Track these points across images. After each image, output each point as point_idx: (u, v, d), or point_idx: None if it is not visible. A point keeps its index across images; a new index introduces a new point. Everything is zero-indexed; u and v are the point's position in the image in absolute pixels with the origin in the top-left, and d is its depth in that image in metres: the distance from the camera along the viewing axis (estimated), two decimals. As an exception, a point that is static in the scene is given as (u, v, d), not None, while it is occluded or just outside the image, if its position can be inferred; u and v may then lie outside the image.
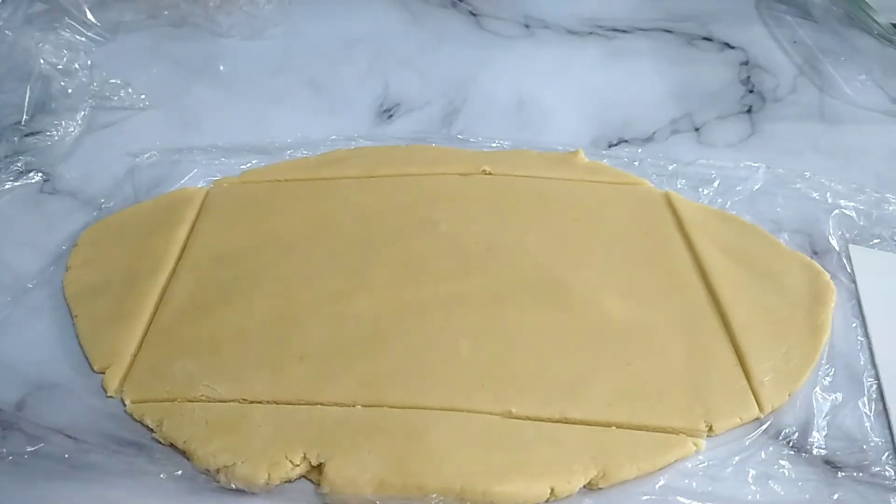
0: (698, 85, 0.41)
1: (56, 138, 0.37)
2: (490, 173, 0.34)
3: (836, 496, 0.23)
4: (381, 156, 0.35)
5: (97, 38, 0.43)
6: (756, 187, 0.34)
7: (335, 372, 0.26)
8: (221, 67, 0.42)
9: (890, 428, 0.25)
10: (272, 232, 0.31)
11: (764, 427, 0.25)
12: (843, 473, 0.23)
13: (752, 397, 0.25)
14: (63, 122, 0.37)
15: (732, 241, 0.30)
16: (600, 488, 0.23)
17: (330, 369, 0.26)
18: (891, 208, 0.32)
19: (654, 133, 0.38)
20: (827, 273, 0.29)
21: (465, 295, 0.28)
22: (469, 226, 0.31)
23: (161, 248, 0.30)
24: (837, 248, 0.31)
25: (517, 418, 0.24)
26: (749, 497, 0.23)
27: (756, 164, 0.34)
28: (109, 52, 0.43)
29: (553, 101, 0.40)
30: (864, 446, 0.24)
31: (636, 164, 0.35)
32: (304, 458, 0.23)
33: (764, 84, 0.41)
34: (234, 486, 0.23)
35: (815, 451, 0.24)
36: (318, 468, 0.23)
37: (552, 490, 0.23)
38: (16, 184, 0.35)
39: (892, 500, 0.23)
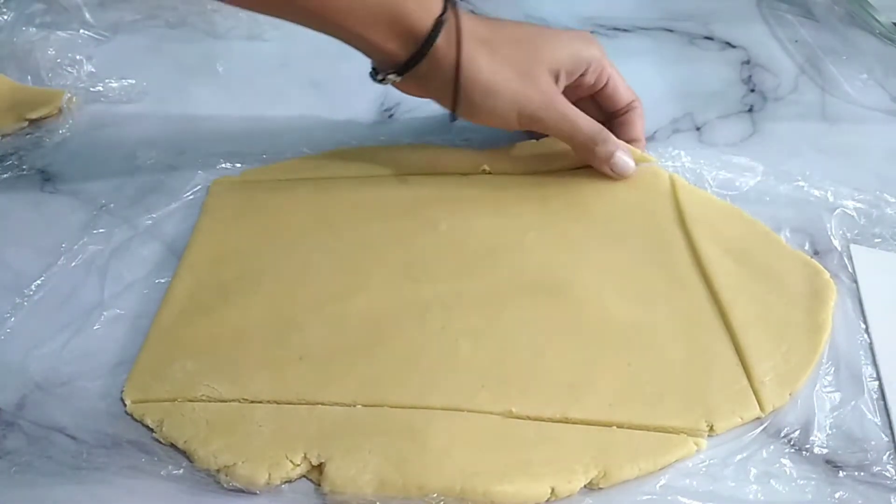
0: (699, 84, 0.41)
1: (56, 138, 0.37)
2: (490, 172, 0.34)
3: (837, 495, 0.23)
4: (381, 155, 0.35)
5: (96, 37, 0.43)
6: (757, 186, 0.33)
7: (335, 372, 0.26)
8: (219, 68, 0.42)
9: (891, 427, 0.25)
10: (272, 232, 0.31)
11: (765, 426, 0.25)
12: (844, 473, 0.23)
13: (753, 397, 0.25)
14: (64, 121, 0.37)
15: (733, 239, 0.30)
16: (601, 488, 0.23)
17: (330, 369, 0.26)
18: (892, 208, 0.32)
19: (655, 132, 0.38)
20: (827, 272, 0.29)
21: (465, 295, 0.28)
22: (469, 226, 0.31)
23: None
24: (839, 248, 0.31)
25: (518, 418, 0.24)
26: (750, 496, 0.23)
27: (757, 164, 0.34)
28: (109, 52, 0.43)
29: (553, 101, 0.40)
30: (865, 446, 0.24)
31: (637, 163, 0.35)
32: (305, 457, 0.23)
33: (765, 83, 0.41)
34: (234, 486, 0.23)
35: (816, 451, 0.24)
36: (319, 468, 0.23)
37: (553, 490, 0.23)
38: (16, 183, 0.35)
39: (893, 499, 0.23)
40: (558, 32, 0.31)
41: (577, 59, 0.30)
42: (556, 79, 0.30)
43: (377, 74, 0.30)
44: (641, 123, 0.33)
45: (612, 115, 0.33)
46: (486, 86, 0.29)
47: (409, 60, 0.29)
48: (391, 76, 0.29)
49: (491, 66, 0.29)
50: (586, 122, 0.31)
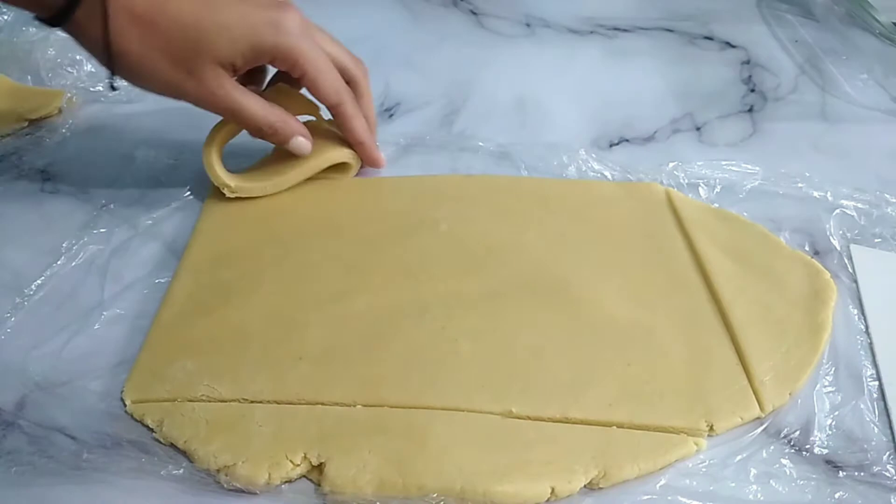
0: (699, 84, 0.41)
1: (56, 138, 0.37)
2: None
3: (837, 496, 0.23)
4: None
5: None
6: (757, 187, 0.33)
7: (335, 372, 0.26)
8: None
9: (891, 427, 0.25)
10: (272, 232, 0.31)
11: (765, 426, 0.25)
12: (844, 473, 0.23)
13: (753, 397, 0.25)
14: (63, 122, 0.37)
15: (733, 240, 0.30)
16: (601, 488, 0.23)
17: (330, 369, 0.26)
18: (892, 208, 0.32)
19: (655, 132, 0.38)
20: (827, 272, 0.29)
21: (465, 295, 0.28)
22: (469, 226, 0.31)
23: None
24: (839, 248, 0.31)
25: (518, 418, 0.24)
26: (750, 496, 0.23)
27: (757, 164, 0.34)
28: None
29: (554, 101, 0.40)
30: (865, 446, 0.24)
31: (637, 163, 0.35)
32: (305, 457, 0.23)
33: (765, 83, 0.41)
34: (234, 486, 0.23)
35: (816, 451, 0.24)
36: (319, 468, 0.23)
37: (553, 490, 0.23)
38: (16, 183, 0.35)
39: (893, 499, 0.23)
40: (242, 13, 0.28)
41: (258, 51, 0.28)
42: (230, 68, 0.28)
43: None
44: (353, 124, 0.31)
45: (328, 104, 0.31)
46: (135, 67, 0.27)
47: (52, 19, 0.27)
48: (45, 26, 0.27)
49: (141, 49, 0.27)
50: (259, 109, 0.29)
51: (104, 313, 0.29)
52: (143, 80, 0.28)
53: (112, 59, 0.27)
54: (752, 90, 0.40)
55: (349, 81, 0.31)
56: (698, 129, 0.38)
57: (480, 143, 0.36)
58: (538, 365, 0.26)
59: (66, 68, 0.40)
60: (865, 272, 0.29)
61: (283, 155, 0.33)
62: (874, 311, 0.28)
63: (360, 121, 0.32)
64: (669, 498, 0.23)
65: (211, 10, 0.28)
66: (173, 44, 0.27)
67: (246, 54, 0.28)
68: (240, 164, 0.35)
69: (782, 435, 0.24)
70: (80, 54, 0.41)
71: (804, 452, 0.24)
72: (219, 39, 0.27)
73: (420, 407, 0.25)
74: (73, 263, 0.31)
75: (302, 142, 0.31)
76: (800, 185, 0.33)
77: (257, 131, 0.30)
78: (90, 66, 0.41)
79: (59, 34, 0.42)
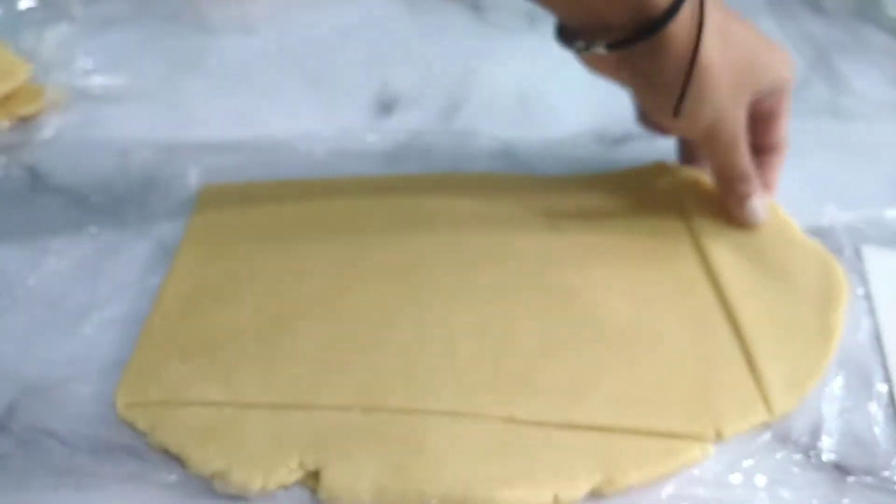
0: (705, 79, 0.40)
1: (46, 135, 0.36)
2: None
3: (845, 501, 0.22)
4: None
5: (87, 33, 0.43)
6: (764, 184, 0.33)
7: (332, 375, 0.25)
8: (212, 62, 0.41)
9: (901, 431, 0.24)
10: (267, 231, 0.31)
11: (773, 431, 0.24)
12: (852, 478, 0.23)
13: (762, 401, 0.24)
14: (53, 118, 0.37)
15: (742, 235, 0.29)
16: (605, 495, 0.23)
17: (327, 372, 0.25)
18: (903, 207, 0.32)
19: (660, 128, 0.37)
20: (840, 267, 0.28)
21: (466, 295, 0.27)
22: (469, 224, 0.30)
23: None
24: (849, 249, 0.30)
25: (520, 423, 0.24)
26: (758, 503, 0.22)
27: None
28: (100, 49, 0.42)
29: (557, 96, 0.39)
30: (875, 450, 0.24)
31: (642, 160, 0.34)
32: (301, 463, 0.23)
33: (772, 78, 0.40)
34: (228, 492, 0.23)
35: (824, 456, 0.23)
36: (315, 474, 0.23)
37: (556, 497, 0.22)
38: (4, 182, 0.34)
39: (902, 505, 0.22)
40: (771, 46, 0.26)
41: (773, 87, 0.25)
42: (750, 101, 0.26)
43: (573, 40, 0.24)
44: (779, 171, 0.28)
45: (753, 147, 0.28)
46: (708, 85, 0.23)
47: (635, 34, 0.22)
48: (599, 48, 0.24)
49: (721, 64, 0.23)
50: (746, 158, 0.26)
51: (95, 315, 0.28)
52: (704, 102, 0.24)
53: (691, 83, 0.23)
54: (759, 85, 0.40)
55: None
56: (704, 125, 0.37)
57: (481, 139, 0.36)
58: (541, 368, 0.25)
59: (58, 65, 0.40)
60: (877, 273, 0.29)
61: None
62: (885, 314, 0.27)
63: (782, 168, 0.28)
64: (675, 505, 0.22)
65: (755, 33, 0.25)
66: (738, 61, 0.24)
67: (764, 89, 0.25)
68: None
69: (791, 440, 0.24)
70: (72, 50, 0.41)
71: (812, 458, 0.23)
72: (763, 66, 0.25)
73: (420, 411, 0.24)
74: (64, 264, 0.30)
75: (754, 205, 0.27)
76: (809, 183, 0.33)
77: (730, 177, 0.27)
78: (81, 62, 0.40)
79: (52, 28, 0.41)
